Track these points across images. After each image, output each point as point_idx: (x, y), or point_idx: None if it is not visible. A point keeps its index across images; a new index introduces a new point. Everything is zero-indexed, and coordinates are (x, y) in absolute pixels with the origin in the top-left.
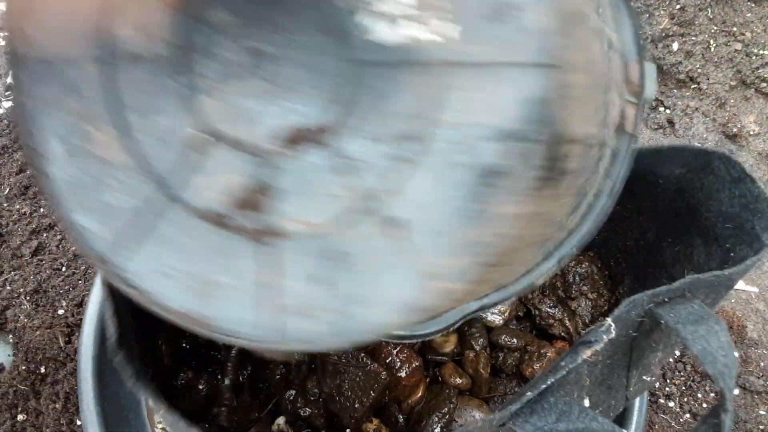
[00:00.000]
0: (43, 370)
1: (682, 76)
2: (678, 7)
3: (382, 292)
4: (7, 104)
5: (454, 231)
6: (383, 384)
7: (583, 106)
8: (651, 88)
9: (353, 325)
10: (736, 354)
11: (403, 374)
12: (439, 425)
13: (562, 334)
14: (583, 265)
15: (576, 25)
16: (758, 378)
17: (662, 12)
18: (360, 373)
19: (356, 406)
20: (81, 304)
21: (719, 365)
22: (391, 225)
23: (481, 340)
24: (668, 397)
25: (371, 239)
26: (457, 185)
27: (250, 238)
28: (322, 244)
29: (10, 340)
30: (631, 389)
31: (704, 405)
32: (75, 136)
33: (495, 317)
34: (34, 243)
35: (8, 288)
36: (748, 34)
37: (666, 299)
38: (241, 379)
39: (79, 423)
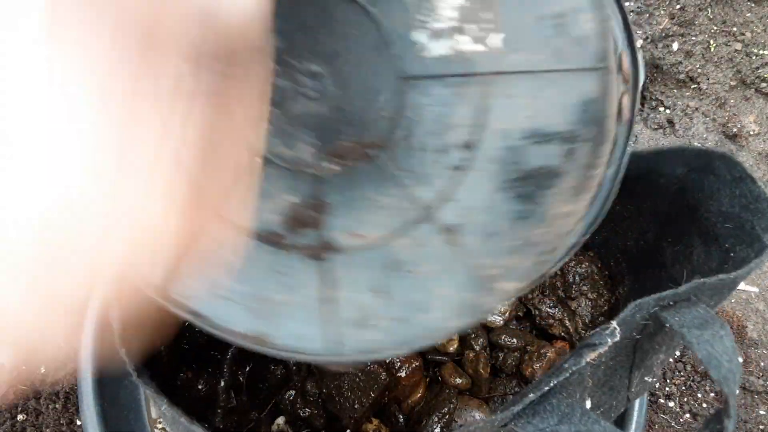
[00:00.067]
0: (42, 370)
1: (682, 76)
2: (678, 7)
3: (439, 297)
4: None
5: (506, 232)
6: (383, 384)
7: (614, 100)
8: (642, 76)
9: (413, 332)
10: (740, 359)
11: (403, 374)
12: (439, 425)
13: (562, 334)
14: (583, 265)
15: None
16: (758, 378)
17: (662, 12)
18: (360, 374)
19: (356, 406)
20: None
21: (724, 370)
22: (444, 231)
23: (481, 340)
24: (668, 397)
25: (425, 246)
26: (507, 188)
27: (306, 255)
28: (376, 255)
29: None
30: (632, 390)
31: (704, 405)
32: None
33: (495, 317)
34: None
35: None
36: (748, 34)
37: (671, 303)
38: (241, 379)
39: (79, 423)
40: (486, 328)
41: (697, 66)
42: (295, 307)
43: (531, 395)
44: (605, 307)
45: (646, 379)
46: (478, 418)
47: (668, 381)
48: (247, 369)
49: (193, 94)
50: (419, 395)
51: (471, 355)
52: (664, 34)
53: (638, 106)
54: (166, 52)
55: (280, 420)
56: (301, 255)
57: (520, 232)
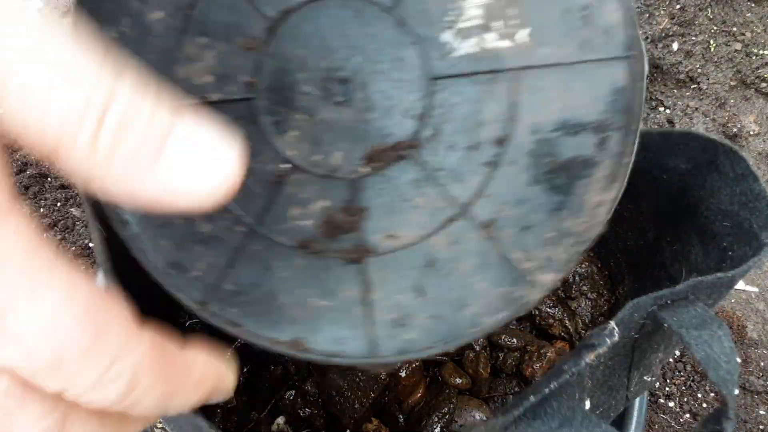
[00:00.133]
0: None
1: (682, 76)
2: (678, 7)
3: (476, 293)
4: None
5: (542, 224)
6: (383, 384)
7: (642, 87)
8: (647, 66)
9: (450, 329)
10: (738, 359)
11: (403, 374)
12: (439, 425)
13: (562, 334)
14: (583, 265)
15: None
16: (758, 378)
17: (662, 12)
18: (360, 374)
19: (356, 406)
20: None
21: (722, 371)
22: (480, 226)
23: (481, 340)
24: (668, 397)
25: (461, 243)
26: (541, 180)
27: (344, 259)
28: (413, 255)
29: None
30: (631, 389)
31: (704, 405)
32: None
33: None
34: None
35: None
36: (748, 34)
37: (669, 302)
38: (241, 379)
39: None
40: None
41: (697, 66)
42: (333, 312)
43: (531, 398)
44: (605, 307)
45: (645, 378)
46: (478, 418)
47: (668, 381)
48: (246, 369)
49: None
50: (419, 395)
51: (471, 355)
52: (664, 34)
53: (646, 94)
54: None
55: (280, 420)
56: (339, 259)
57: (555, 223)
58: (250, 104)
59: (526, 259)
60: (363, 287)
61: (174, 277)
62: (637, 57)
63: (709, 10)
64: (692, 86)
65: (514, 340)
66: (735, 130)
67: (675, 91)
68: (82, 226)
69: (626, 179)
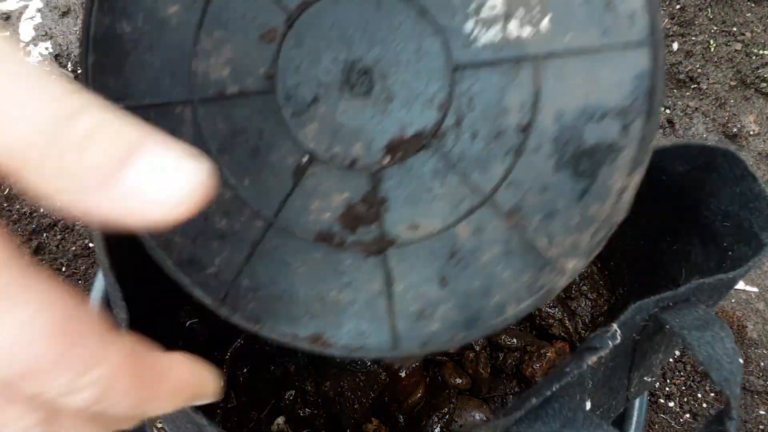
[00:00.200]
0: None
1: (682, 76)
2: (678, 7)
3: (500, 281)
4: None
5: (566, 210)
6: (383, 384)
7: (663, 71)
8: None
9: (473, 319)
10: (741, 360)
11: (403, 374)
12: (439, 425)
13: (562, 334)
14: None
15: None
16: (758, 378)
17: (662, 12)
18: (360, 374)
19: (356, 406)
20: None
21: (725, 372)
22: (504, 214)
23: (481, 340)
24: (668, 397)
25: (484, 231)
26: (565, 167)
27: (366, 252)
28: (436, 245)
29: None
30: (632, 390)
31: (704, 405)
32: None
33: None
34: (35, 243)
35: None
36: (748, 34)
37: (671, 304)
38: (241, 379)
39: None
40: None
41: (697, 66)
42: (355, 305)
43: (533, 400)
44: (605, 307)
45: (645, 378)
46: (478, 418)
47: (668, 381)
48: (247, 369)
49: None
50: (419, 395)
51: (471, 355)
52: (664, 34)
53: None
54: None
55: (280, 420)
56: (361, 252)
57: (580, 209)
58: (268, 97)
59: (550, 246)
60: (385, 279)
61: (190, 274)
62: (660, 42)
63: (709, 10)
64: (692, 86)
65: (514, 340)
66: (735, 130)
67: (675, 91)
68: (82, 226)
69: (648, 164)
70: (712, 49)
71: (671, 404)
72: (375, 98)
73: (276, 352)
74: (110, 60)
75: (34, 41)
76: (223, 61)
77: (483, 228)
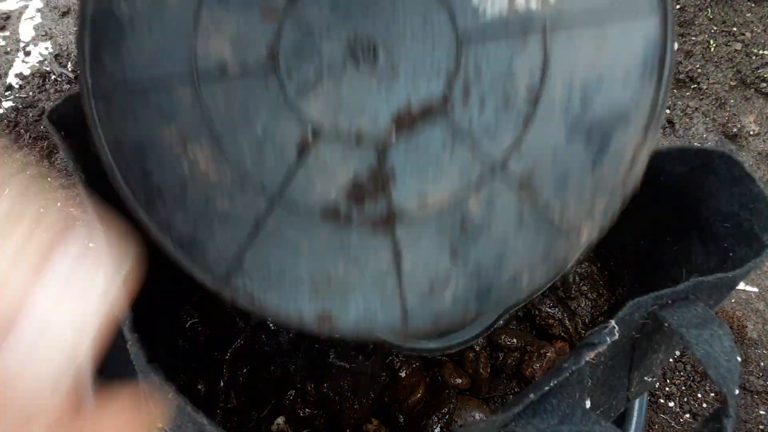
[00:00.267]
0: None
1: (682, 76)
2: (678, 7)
3: (512, 253)
4: (7, 104)
5: (577, 179)
6: (383, 384)
7: (671, 41)
8: None
9: (485, 293)
10: (739, 358)
11: (403, 374)
12: (439, 425)
13: (562, 334)
14: (583, 265)
15: None
16: (758, 378)
17: None
18: (360, 374)
19: (356, 406)
20: None
21: (722, 370)
22: (515, 184)
23: (481, 340)
24: (668, 397)
25: (495, 202)
26: (576, 136)
27: (374, 227)
28: (446, 218)
29: None
30: (632, 390)
31: (704, 405)
32: (180, 167)
33: None
34: None
35: None
36: (748, 34)
37: (670, 301)
38: (241, 379)
39: None
40: None
41: (697, 66)
42: (362, 283)
43: (531, 396)
44: (605, 307)
45: (645, 378)
46: (478, 418)
47: (668, 381)
48: (246, 369)
49: None
50: (419, 395)
51: (471, 355)
52: None
53: None
54: None
55: (280, 420)
56: (368, 228)
57: (592, 178)
58: (271, 75)
59: (563, 216)
60: (393, 255)
61: (190, 254)
62: (669, 10)
63: (709, 10)
64: (692, 86)
65: (514, 340)
66: (735, 130)
67: (675, 91)
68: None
69: (659, 132)
70: (712, 49)
71: (671, 404)
72: (380, 72)
73: (276, 352)
74: (108, 42)
75: (34, 41)
76: (224, 40)
77: (494, 199)
